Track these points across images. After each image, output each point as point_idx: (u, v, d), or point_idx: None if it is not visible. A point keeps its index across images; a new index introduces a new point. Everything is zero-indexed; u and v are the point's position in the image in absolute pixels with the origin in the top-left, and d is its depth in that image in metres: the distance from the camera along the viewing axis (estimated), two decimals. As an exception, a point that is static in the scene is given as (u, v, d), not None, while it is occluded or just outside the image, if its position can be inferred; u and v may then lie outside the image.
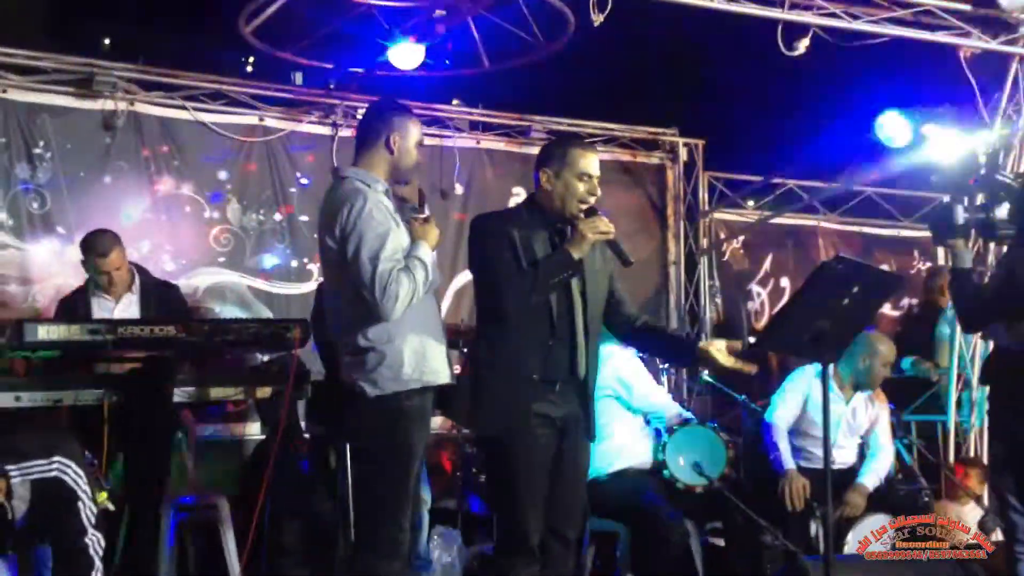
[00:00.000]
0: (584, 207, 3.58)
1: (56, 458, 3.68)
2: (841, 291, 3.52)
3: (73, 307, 5.04)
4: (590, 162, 3.63)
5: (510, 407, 3.52)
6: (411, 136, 3.58)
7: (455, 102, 7.72)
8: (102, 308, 4.98)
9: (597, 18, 5.42)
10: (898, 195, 8.90)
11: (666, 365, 6.56)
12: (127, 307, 5.02)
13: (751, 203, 8.72)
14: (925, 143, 6.56)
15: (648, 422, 5.15)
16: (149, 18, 8.64)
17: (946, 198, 4.11)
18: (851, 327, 3.75)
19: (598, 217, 3.54)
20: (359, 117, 6.88)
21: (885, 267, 8.99)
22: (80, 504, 3.68)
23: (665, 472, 4.99)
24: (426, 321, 3.50)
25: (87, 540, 3.65)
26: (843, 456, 5.38)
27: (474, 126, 7.47)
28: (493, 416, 3.54)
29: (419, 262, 3.42)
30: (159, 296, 5.12)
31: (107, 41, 8.80)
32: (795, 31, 5.87)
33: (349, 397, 3.44)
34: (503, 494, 3.59)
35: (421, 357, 3.44)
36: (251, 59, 6.51)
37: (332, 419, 3.73)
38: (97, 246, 5.01)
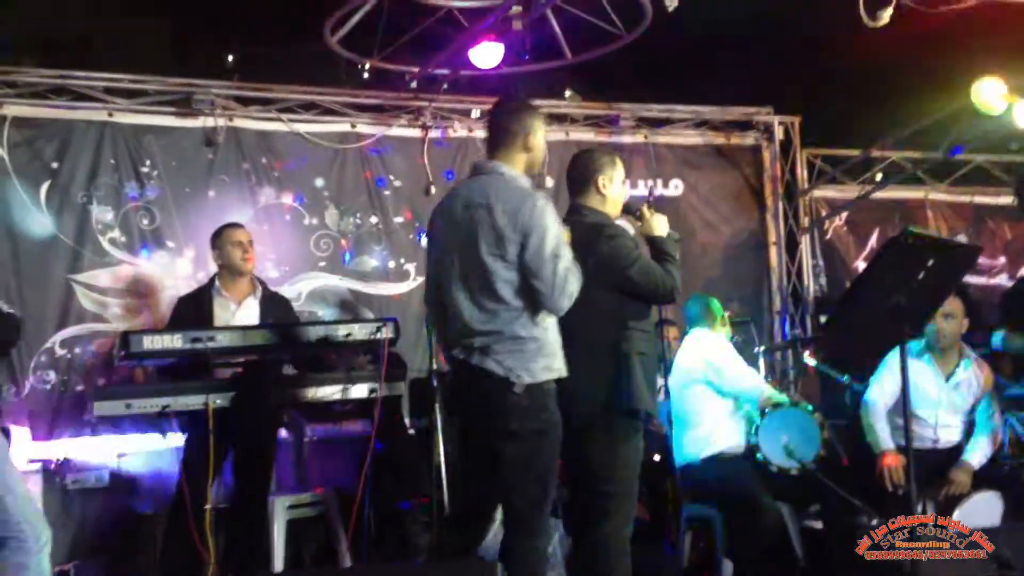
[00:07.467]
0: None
1: None
2: (915, 265, 3.46)
3: (193, 304, 5.15)
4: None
5: (647, 391, 3.81)
6: (540, 134, 3.75)
7: (568, 94, 7.74)
8: (224, 308, 5.11)
9: (672, 2, 5.38)
10: (1010, 161, 8.53)
11: (762, 348, 6.49)
12: (248, 311, 5.15)
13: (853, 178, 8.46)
14: (1017, 109, 6.31)
15: (739, 406, 5.13)
16: (246, 37, 8.91)
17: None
18: (931, 300, 3.69)
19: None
20: (446, 117, 7.10)
21: (999, 237, 8.69)
22: None
23: (758, 455, 4.97)
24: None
25: None
26: (947, 435, 5.25)
27: (562, 118, 7.48)
28: (642, 397, 3.77)
29: None
30: (278, 306, 5.29)
31: (230, 58, 9.06)
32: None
33: (498, 385, 3.48)
34: (623, 469, 3.76)
35: (559, 349, 3.61)
36: (366, 65, 6.53)
37: (466, 408, 3.75)
38: (229, 225, 5.33)
